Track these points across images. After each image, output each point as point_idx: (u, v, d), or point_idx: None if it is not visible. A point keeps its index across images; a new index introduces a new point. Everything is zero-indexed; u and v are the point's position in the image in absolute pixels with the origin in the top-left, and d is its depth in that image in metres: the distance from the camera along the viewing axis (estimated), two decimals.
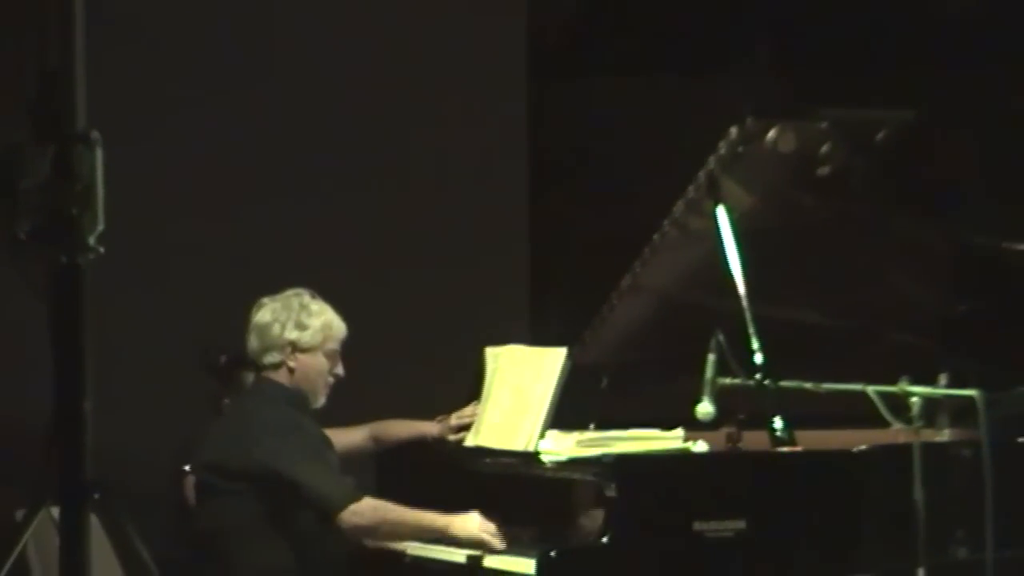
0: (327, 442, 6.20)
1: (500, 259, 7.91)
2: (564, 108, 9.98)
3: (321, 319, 6.17)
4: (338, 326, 6.20)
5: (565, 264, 7.86)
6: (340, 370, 6.22)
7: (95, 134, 4.27)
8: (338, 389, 6.28)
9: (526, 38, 8.71)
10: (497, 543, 5.90)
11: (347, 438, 6.41)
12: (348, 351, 6.28)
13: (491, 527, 5.92)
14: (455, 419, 6.46)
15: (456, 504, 6.15)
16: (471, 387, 6.48)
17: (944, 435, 6.26)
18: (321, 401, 6.22)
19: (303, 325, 6.16)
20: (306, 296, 6.19)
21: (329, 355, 6.20)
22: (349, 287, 6.41)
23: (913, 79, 9.43)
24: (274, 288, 6.26)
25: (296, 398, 6.17)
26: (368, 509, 6.01)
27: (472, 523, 5.95)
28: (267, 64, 8.23)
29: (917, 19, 10.76)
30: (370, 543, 6.14)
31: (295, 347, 6.16)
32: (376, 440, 6.51)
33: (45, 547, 4.75)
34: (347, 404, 6.35)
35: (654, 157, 6.56)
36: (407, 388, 6.74)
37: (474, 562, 5.96)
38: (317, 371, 6.18)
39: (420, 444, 6.52)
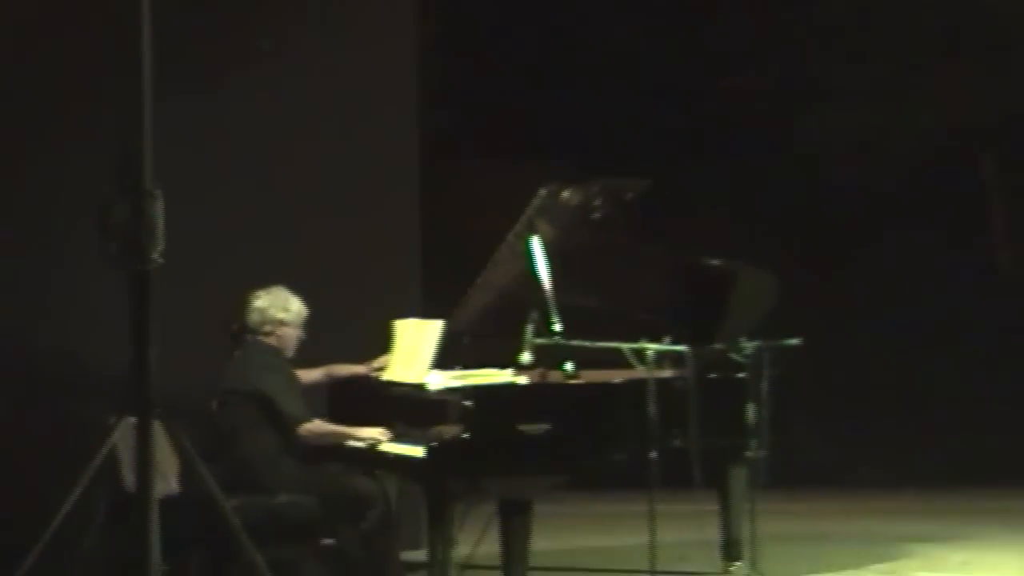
0: (295, 380, 6.25)
1: (399, 268, 7.77)
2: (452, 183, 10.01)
3: (296, 306, 6.25)
4: (304, 310, 6.28)
5: (446, 269, 7.73)
6: (304, 335, 6.29)
7: (158, 190, 4.30)
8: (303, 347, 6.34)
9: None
10: (384, 439, 5.99)
11: (310, 376, 6.42)
12: (310, 323, 6.34)
13: (380, 431, 6.01)
14: (376, 363, 6.46)
15: (376, 415, 6.16)
16: (387, 344, 6.46)
17: (667, 373, 6.23)
18: (291, 354, 6.27)
19: (287, 309, 6.23)
20: (286, 291, 6.27)
21: (299, 327, 6.26)
22: (304, 285, 6.42)
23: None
24: (264, 279, 6.32)
25: (277, 352, 6.23)
26: (314, 427, 6.08)
27: (368, 431, 6.03)
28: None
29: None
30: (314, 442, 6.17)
31: (281, 323, 6.21)
32: (328, 376, 6.51)
33: (127, 443, 4.70)
34: (307, 355, 6.39)
35: (506, 207, 6.50)
36: (346, 345, 6.69)
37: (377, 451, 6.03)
38: (291, 337, 6.24)
39: (355, 378, 6.50)
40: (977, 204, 12.33)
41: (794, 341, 6.27)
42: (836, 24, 11.58)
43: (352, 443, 6.09)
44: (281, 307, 6.20)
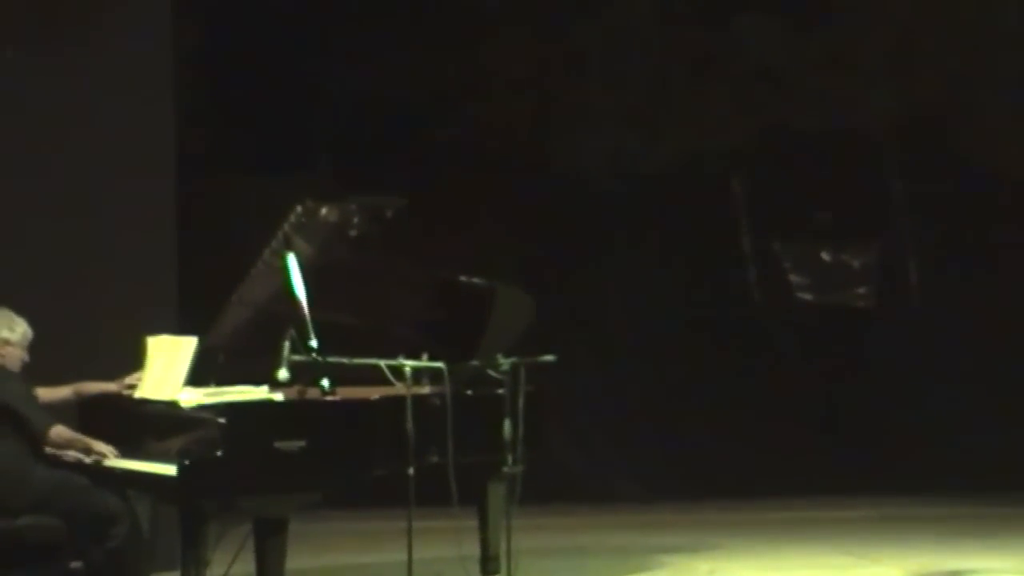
0: (32, 392, 6.09)
1: (154, 285, 7.58)
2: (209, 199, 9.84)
3: (22, 327, 6.12)
4: (29, 332, 6.16)
5: (203, 286, 7.54)
6: (27, 357, 6.15)
7: None
8: (46, 360, 6.15)
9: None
10: (110, 455, 5.89)
11: (58, 393, 6.22)
12: (57, 338, 6.14)
13: (110, 448, 5.90)
14: (128, 380, 6.29)
15: (128, 432, 6.01)
16: (139, 361, 6.29)
17: (425, 389, 6.24)
18: (16, 371, 6.10)
19: (12, 330, 6.09)
20: (9, 311, 6.13)
21: (23, 348, 6.12)
22: (56, 300, 6.23)
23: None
24: (14, 295, 6.17)
25: (5, 368, 6.05)
26: (58, 431, 5.94)
27: (98, 444, 5.91)
28: None
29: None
30: (60, 451, 6.00)
31: (6, 343, 6.06)
32: (77, 394, 6.31)
33: None
34: (57, 372, 6.19)
35: (263, 223, 6.41)
36: (98, 362, 6.51)
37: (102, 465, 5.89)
38: (16, 357, 6.09)
39: (107, 396, 6.32)
40: (728, 226, 12.70)
41: (549, 358, 6.35)
42: (590, 47, 11.83)
43: (79, 457, 5.93)
44: (6, 327, 6.08)
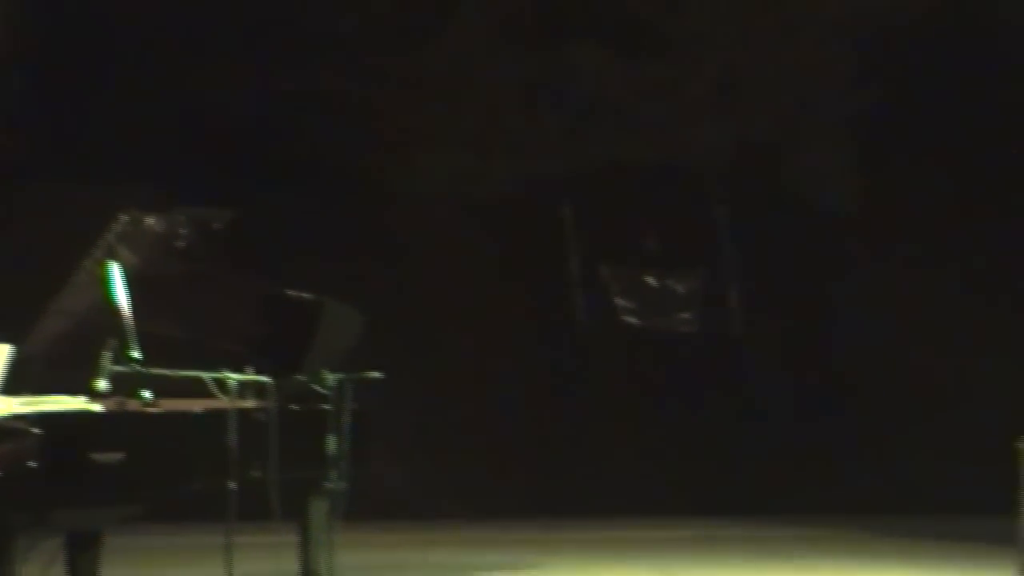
0: None
1: None
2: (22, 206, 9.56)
3: None
4: None
5: (16, 292, 7.29)
6: None
7: None
8: None
9: None
10: None
11: None
12: None
13: None
14: None
15: None
16: None
17: (249, 403, 6.15)
18: None
19: None
20: None
21: None
22: None
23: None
24: None
25: None
26: None
27: None
28: None
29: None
30: None
31: None
32: None
33: None
34: None
35: (88, 229, 6.24)
36: None
37: None
38: None
39: None
40: (556, 251, 12.83)
41: (375, 375, 6.32)
42: (427, 70, 11.88)
43: None
44: None
